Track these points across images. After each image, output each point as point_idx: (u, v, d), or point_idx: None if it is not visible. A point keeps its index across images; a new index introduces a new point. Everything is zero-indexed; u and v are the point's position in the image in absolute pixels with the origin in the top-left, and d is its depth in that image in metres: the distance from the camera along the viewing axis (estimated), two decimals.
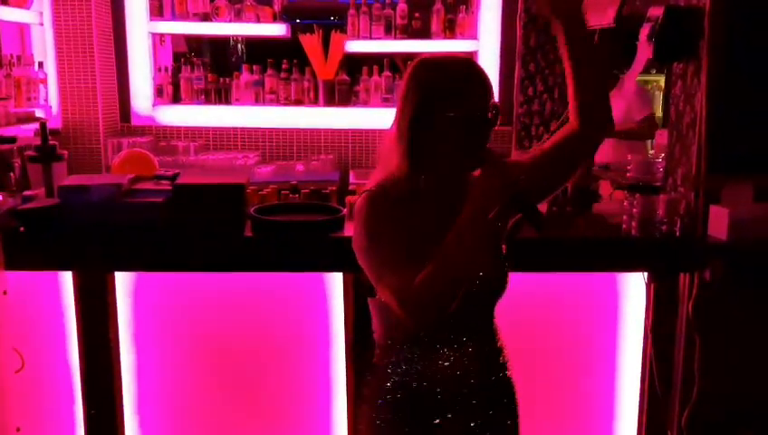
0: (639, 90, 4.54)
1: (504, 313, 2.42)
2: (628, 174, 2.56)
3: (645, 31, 2.50)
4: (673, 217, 2.37)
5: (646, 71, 5.50)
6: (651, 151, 4.36)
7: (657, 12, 2.50)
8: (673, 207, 2.38)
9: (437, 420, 1.59)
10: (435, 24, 4.37)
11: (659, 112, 5.75)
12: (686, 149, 2.50)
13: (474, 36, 4.40)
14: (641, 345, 2.48)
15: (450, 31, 4.38)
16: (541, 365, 2.47)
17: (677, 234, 2.36)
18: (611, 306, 2.49)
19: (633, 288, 2.47)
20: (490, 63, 4.42)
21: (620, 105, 4.35)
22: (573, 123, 1.59)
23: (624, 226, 2.43)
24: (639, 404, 2.52)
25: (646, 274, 2.43)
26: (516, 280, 2.38)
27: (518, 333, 2.43)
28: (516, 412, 1.73)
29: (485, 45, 4.40)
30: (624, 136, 4.31)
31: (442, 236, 1.44)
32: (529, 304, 2.44)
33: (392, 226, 1.49)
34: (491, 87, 1.51)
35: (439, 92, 1.48)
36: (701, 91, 2.38)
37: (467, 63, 1.55)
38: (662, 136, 2.96)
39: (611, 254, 2.41)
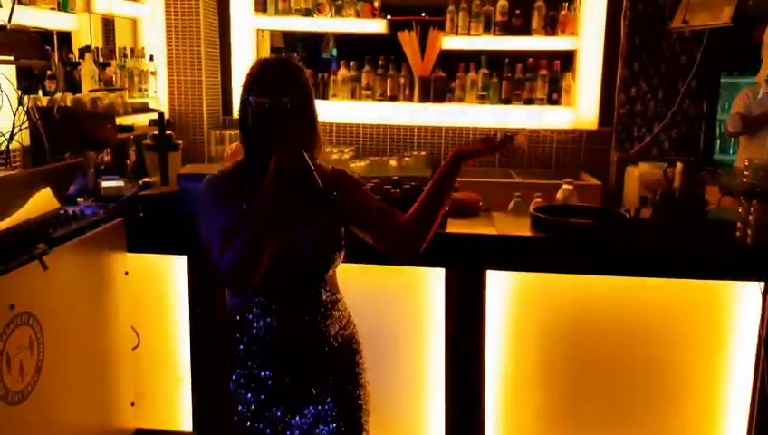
0: None
1: (618, 316, 2.42)
2: (743, 179, 2.46)
3: None
4: None
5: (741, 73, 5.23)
6: None
7: None
8: None
9: (270, 374, 1.75)
10: (535, 21, 4.31)
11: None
12: None
13: (575, 34, 4.32)
14: (754, 358, 2.39)
15: (551, 28, 4.32)
16: (652, 368, 2.45)
17: None
18: (725, 315, 2.41)
19: (748, 297, 2.38)
20: (592, 62, 4.33)
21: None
22: (403, 225, 1.76)
23: (738, 233, 2.34)
24: (749, 415, 2.42)
25: (762, 283, 2.34)
26: (630, 286, 2.37)
27: (632, 336, 2.42)
28: (354, 380, 1.83)
29: (587, 43, 4.31)
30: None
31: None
32: (642, 308, 2.43)
33: (223, 205, 1.65)
34: (295, 82, 1.66)
35: (247, 84, 1.68)
36: None
37: (276, 61, 1.73)
38: None
39: (725, 262, 2.34)
